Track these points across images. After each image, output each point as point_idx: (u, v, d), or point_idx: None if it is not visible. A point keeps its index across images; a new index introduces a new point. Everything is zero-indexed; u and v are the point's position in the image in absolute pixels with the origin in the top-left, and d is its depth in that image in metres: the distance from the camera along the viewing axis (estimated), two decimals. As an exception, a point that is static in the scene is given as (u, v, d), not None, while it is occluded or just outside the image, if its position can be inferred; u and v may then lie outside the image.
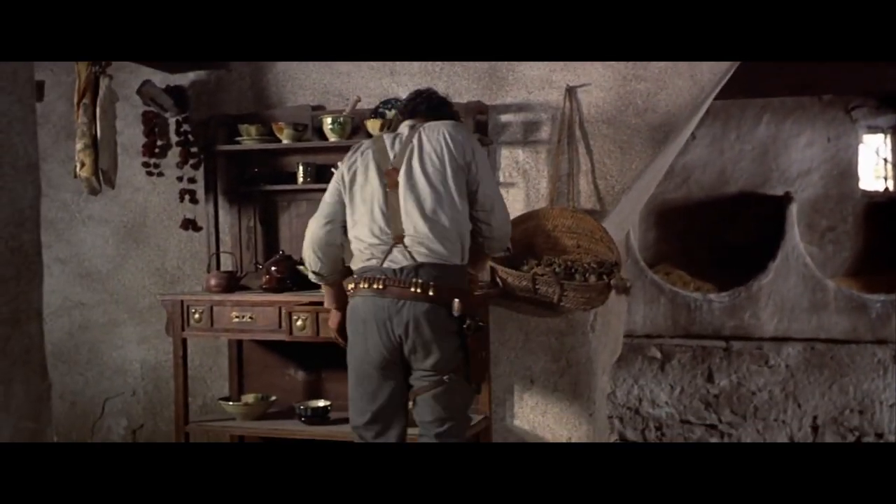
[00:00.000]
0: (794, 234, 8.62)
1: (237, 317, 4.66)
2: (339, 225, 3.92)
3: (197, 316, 4.73)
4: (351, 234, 3.87)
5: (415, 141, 3.81)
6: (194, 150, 5.34)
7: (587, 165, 4.77)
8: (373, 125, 4.71)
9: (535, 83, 4.83)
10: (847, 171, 9.33)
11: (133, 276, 5.58)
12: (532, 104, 4.84)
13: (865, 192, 9.36)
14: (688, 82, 4.62)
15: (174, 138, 5.40)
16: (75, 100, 4.96)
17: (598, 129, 4.75)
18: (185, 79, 5.37)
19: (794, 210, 8.70)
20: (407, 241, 3.72)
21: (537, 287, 4.50)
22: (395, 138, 3.89)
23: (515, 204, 4.85)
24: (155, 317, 5.45)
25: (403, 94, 4.95)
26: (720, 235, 9.43)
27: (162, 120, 5.41)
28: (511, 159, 4.87)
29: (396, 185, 3.75)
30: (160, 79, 5.29)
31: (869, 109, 9.24)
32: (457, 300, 3.68)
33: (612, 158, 4.74)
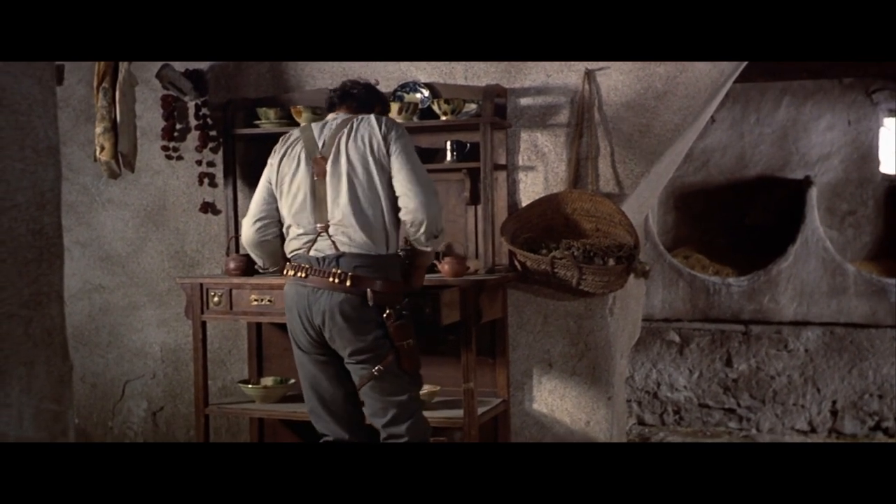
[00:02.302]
0: (814, 218, 8.57)
1: (256, 300, 4.67)
2: (269, 220, 4.00)
3: (216, 299, 4.75)
4: (284, 222, 3.95)
5: (345, 130, 3.83)
6: (213, 133, 5.35)
7: (606, 149, 4.76)
8: (391, 109, 4.71)
9: (553, 66, 4.81)
10: (867, 154, 9.27)
11: (152, 260, 5.60)
12: (551, 87, 4.82)
13: (886, 176, 9.29)
14: (707, 65, 4.60)
15: (193, 122, 5.41)
16: (95, 83, 4.98)
17: (617, 112, 4.73)
18: (203, 63, 5.37)
19: (813, 193, 8.66)
20: (331, 229, 3.78)
21: (556, 270, 4.50)
22: (323, 127, 3.92)
23: (534, 187, 4.84)
24: (174, 300, 5.47)
25: (422, 78, 4.95)
26: (739, 219, 9.39)
27: (181, 104, 5.42)
28: (530, 143, 4.86)
29: (324, 173, 3.81)
30: (179, 63, 5.30)
31: (890, 92, 9.17)
32: (370, 290, 3.72)
33: (632, 142, 4.72)
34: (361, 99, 4.00)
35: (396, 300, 3.83)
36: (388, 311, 3.76)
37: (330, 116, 3.99)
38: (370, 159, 3.77)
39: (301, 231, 3.86)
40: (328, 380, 3.91)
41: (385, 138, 3.79)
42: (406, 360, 3.80)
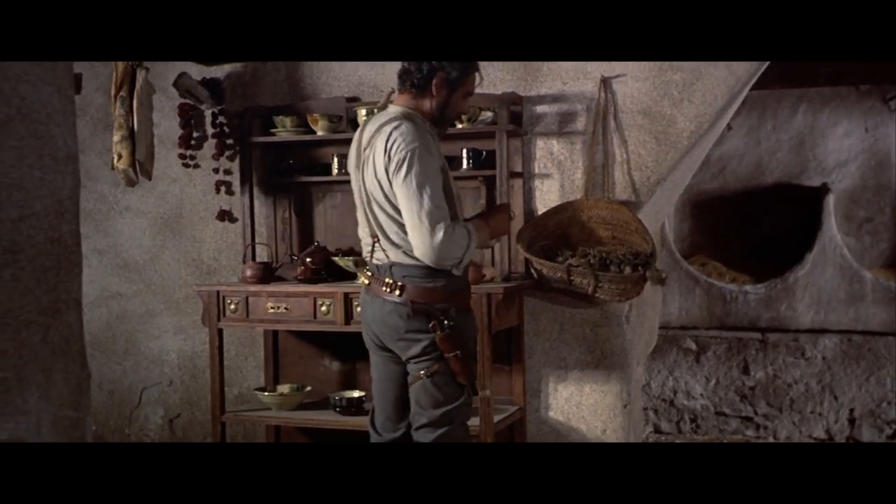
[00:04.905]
0: (831, 225, 8.53)
1: (272, 307, 4.68)
2: None
3: (233, 306, 4.77)
4: None
5: (372, 144, 3.66)
6: (230, 141, 5.37)
7: (622, 156, 4.75)
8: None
9: (569, 74, 4.81)
10: (885, 161, 9.21)
11: (169, 267, 5.62)
12: (567, 95, 4.82)
13: (903, 183, 9.25)
14: (724, 72, 4.59)
15: (210, 130, 5.43)
16: (112, 92, 5.00)
17: (633, 119, 4.73)
18: (220, 71, 5.39)
19: (830, 201, 8.61)
20: (381, 241, 3.71)
21: (572, 278, 4.50)
22: (367, 134, 3.72)
23: (550, 195, 4.84)
24: (191, 307, 5.49)
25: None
26: (756, 226, 9.35)
27: (198, 112, 5.44)
28: (546, 150, 4.86)
29: (362, 187, 3.73)
30: (196, 71, 5.32)
31: (908, 99, 9.12)
32: (411, 301, 3.63)
33: (648, 149, 4.72)
34: (417, 79, 3.71)
35: (442, 311, 3.66)
36: (432, 322, 3.63)
37: (383, 112, 3.77)
38: (384, 188, 3.61)
39: (362, 236, 3.82)
40: (391, 379, 3.84)
41: (387, 170, 3.57)
42: (461, 372, 3.67)
